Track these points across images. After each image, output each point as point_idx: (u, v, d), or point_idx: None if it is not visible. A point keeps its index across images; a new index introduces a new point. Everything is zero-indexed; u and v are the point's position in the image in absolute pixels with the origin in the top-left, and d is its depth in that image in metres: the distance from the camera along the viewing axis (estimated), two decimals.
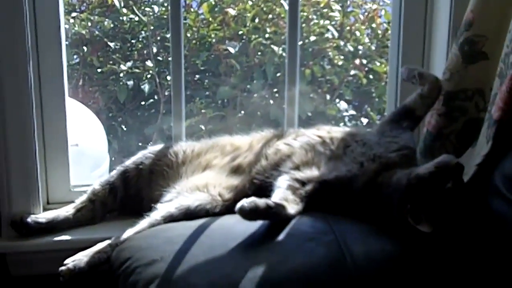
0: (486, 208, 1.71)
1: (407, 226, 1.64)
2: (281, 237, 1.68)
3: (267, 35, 4.22)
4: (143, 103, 4.32)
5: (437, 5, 2.33)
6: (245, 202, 1.64)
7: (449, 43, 2.25)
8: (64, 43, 2.25)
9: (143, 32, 4.38)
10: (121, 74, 4.22)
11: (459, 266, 1.62)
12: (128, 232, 1.88)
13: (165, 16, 4.21)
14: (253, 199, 1.66)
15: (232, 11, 4.27)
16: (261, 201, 1.66)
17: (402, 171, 1.75)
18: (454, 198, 1.63)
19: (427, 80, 2.05)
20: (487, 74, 2.02)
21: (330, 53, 4.28)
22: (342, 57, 4.31)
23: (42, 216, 2.14)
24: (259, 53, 4.21)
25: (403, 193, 1.67)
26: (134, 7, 4.33)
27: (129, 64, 4.25)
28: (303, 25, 4.23)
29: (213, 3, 4.32)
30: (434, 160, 1.66)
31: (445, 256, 1.62)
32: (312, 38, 4.26)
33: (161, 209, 1.94)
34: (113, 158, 3.47)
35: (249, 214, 1.65)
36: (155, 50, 4.30)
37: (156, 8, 4.33)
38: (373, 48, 4.46)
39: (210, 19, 4.32)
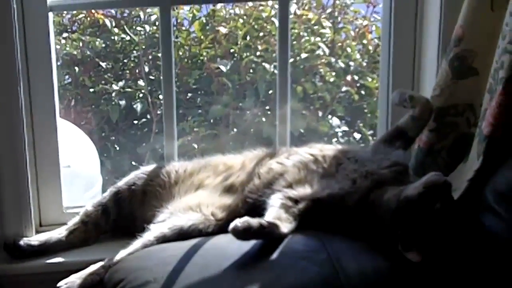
0: (478, 223, 1.72)
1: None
2: (274, 256, 1.68)
3: (258, 53, 4.23)
4: (135, 122, 4.32)
5: (426, 21, 2.34)
6: (238, 222, 1.64)
7: (439, 58, 2.25)
8: (54, 64, 2.25)
9: (134, 51, 4.39)
10: (113, 94, 4.22)
11: (452, 283, 1.62)
12: (121, 254, 1.88)
13: (156, 35, 4.22)
14: (246, 219, 1.65)
15: (223, 29, 4.29)
16: (254, 221, 1.66)
17: (393, 189, 1.75)
18: (444, 219, 1.62)
19: (418, 103, 2.05)
20: (477, 90, 2.02)
21: (321, 70, 4.28)
22: (333, 73, 4.31)
23: (35, 239, 2.14)
24: (250, 71, 4.22)
25: (393, 217, 1.67)
26: (125, 27, 4.34)
27: (121, 83, 4.26)
28: (294, 42, 4.24)
29: (205, 21, 4.33)
30: (422, 179, 1.65)
31: (438, 274, 1.61)
32: (303, 55, 4.26)
33: (154, 230, 1.94)
34: (106, 178, 3.46)
35: (243, 234, 1.65)
36: (147, 69, 4.31)
37: (147, 28, 4.34)
38: (364, 64, 4.47)
39: (202, 37, 4.33)
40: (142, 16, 4.40)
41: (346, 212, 1.82)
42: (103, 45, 4.38)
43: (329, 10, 4.46)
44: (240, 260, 1.68)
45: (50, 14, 2.23)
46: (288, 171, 1.98)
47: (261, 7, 4.31)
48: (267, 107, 4.15)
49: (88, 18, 4.41)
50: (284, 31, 2.37)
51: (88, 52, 4.32)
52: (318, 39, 4.32)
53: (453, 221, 1.64)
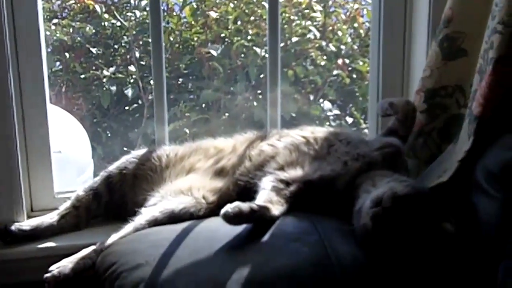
0: (469, 203, 1.72)
1: None
2: (265, 238, 1.68)
3: (249, 37, 4.23)
4: (127, 108, 4.31)
5: (416, 3, 2.34)
6: (229, 208, 1.64)
7: (428, 40, 2.25)
8: (44, 50, 2.24)
9: (125, 37, 4.38)
10: (104, 80, 4.21)
11: (442, 263, 1.62)
12: (113, 237, 1.88)
13: (147, 21, 4.20)
14: (237, 204, 1.65)
15: (214, 14, 4.28)
16: (245, 206, 1.66)
17: (368, 190, 1.75)
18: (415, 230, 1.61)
19: (399, 107, 2.09)
20: (467, 71, 2.03)
21: (312, 54, 4.28)
22: (324, 57, 4.31)
23: (26, 224, 2.14)
24: (241, 55, 4.22)
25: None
26: (115, 12, 4.33)
27: (112, 69, 4.25)
28: (285, 26, 4.24)
29: (195, 6, 4.32)
30: (371, 198, 1.67)
31: (429, 254, 1.62)
32: (294, 39, 4.27)
33: (146, 213, 1.94)
34: (98, 164, 3.46)
35: (234, 219, 1.64)
36: (137, 54, 4.30)
37: (137, 13, 4.33)
38: (355, 47, 4.47)
39: (193, 22, 4.33)
40: (132, 2, 4.39)
41: (337, 194, 1.82)
42: (94, 31, 4.37)
43: None
44: (231, 243, 1.68)
45: (39, 0, 2.21)
46: (280, 153, 1.99)
47: None
48: (259, 91, 4.15)
49: (78, 4, 4.39)
50: (275, 15, 2.37)
51: (79, 38, 4.31)
52: (309, 22, 4.32)
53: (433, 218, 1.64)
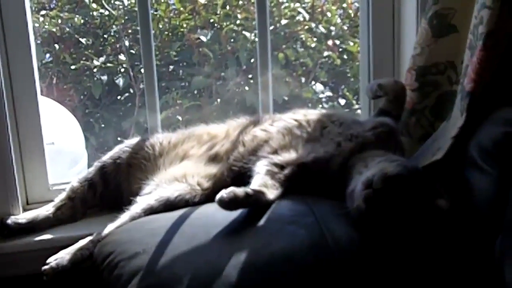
0: (463, 180, 1.72)
1: None
2: (262, 222, 1.68)
3: (238, 22, 4.21)
4: (118, 97, 4.30)
5: None
6: (224, 193, 1.64)
7: (418, 18, 2.25)
8: (33, 42, 2.23)
9: (114, 26, 4.36)
10: (95, 70, 4.20)
11: (438, 239, 1.63)
12: (110, 227, 1.88)
13: (135, 9, 4.17)
14: (231, 189, 1.65)
15: (202, 0, 4.27)
16: (239, 190, 1.66)
17: (360, 169, 1.75)
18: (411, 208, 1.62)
19: (388, 88, 2.10)
20: (458, 47, 2.03)
21: (302, 36, 4.27)
22: (314, 39, 4.30)
23: (22, 217, 2.14)
24: (231, 40, 4.21)
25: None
26: (103, 2, 4.31)
27: (102, 59, 4.23)
28: (274, 9, 4.23)
29: None
30: (362, 181, 1.66)
31: (425, 231, 1.62)
32: (284, 21, 4.25)
33: (141, 202, 1.94)
34: (92, 154, 3.46)
35: (229, 204, 1.64)
36: (127, 43, 4.28)
37: (125, 1, 4.32)
38: (345, 28, 4.46)
39: (181, 8, 4.31)
40: None
41: (331, 176, 1.83)
42: (82, 21, 4.35)
43: None
44: (228, 228, 1.68)
45: None
46: (273, 138, 1.99)
47: None
48: (250, 76, 4.14)
49: None
50: None
51: (68, 29, 4.29)
52: (297, 4, 4.31)
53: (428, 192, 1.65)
